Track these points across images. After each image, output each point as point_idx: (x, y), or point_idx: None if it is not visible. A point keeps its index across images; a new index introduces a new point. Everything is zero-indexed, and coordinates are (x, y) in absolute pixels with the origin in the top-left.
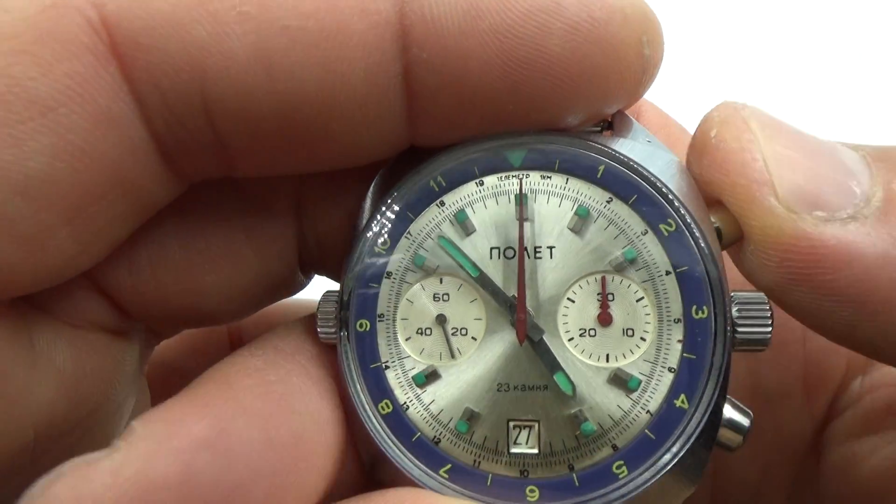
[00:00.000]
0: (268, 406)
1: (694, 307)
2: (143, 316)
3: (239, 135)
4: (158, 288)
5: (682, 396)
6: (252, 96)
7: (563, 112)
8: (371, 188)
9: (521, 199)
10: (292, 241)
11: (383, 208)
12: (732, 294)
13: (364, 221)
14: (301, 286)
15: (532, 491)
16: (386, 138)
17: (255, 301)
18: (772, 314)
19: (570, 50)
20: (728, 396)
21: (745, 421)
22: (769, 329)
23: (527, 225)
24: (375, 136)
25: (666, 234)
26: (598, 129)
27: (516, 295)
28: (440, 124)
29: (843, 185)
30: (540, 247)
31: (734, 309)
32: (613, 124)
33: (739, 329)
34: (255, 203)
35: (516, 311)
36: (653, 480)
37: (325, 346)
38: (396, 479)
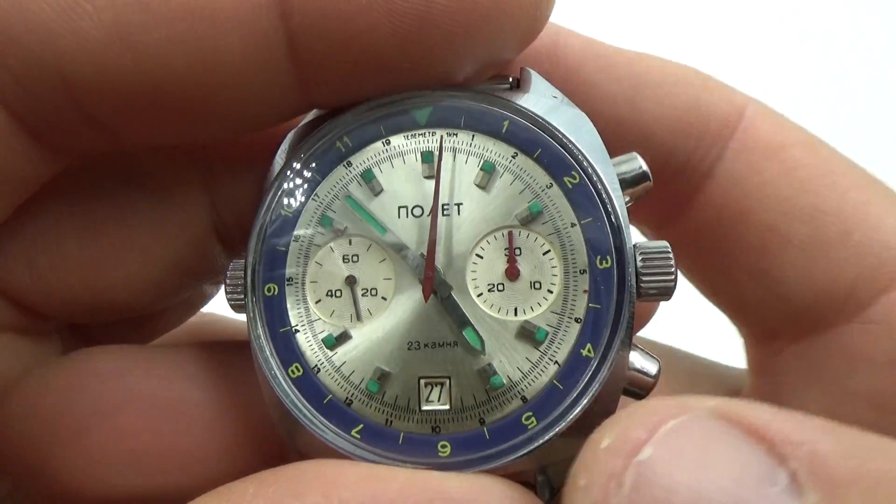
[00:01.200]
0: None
1: (598, 257)
2: (51, 312)
3: (109, 112)
4: (62, 284)
5: (588, 346)
6: (116, 76)
7: (460, 64)
8: (279, 151)
9: (440, 157)
10: (205, 223)
11: (288, 171)
12: (636, 244)
13: (269, 183)
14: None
15: (444, 446)
16: (278, 106)
17: (174, 288)
18: (675, 265)
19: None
20: (635, 344)
21: (652, 367)
22: (672, 279)
23: (433, 183)
24: (266, 105)
25: (570, 186)
26: (507, 86)
27: (424, 253)
28: (336, 89)
29: None
30: (448, 204)
31: (638, 259)
32: (520, 81)
33: (643, 279)
34: (160, 191)
35: (426, 269)
36: (560, 428)
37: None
38: (309, 444)
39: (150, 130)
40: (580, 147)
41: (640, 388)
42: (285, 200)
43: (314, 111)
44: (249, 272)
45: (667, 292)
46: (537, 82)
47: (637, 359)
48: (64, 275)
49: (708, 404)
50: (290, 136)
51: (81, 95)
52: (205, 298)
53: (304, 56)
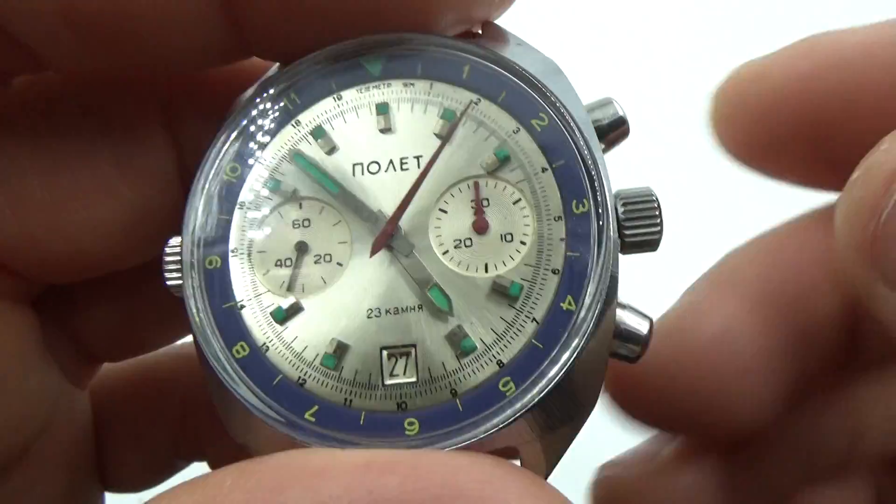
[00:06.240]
0: None
1: (574, 202)
2: (17, 263)
3: (23, 28)
4: (25, 230)
5: (569, 298)
6: None
7: (414, 19)
8: (230, 111)
9: (458, 120)
10: (172, 171)
11: (231, 133)
12: (617, 192)
13: (210, 147)
14: None
15: (411, 424)
16: (206, 45)
17: (143, 241)
18: (660, 212)
19: None
20: (622, 302)
21: (642, 327)
22: (658, 228)
23: (391, 137)
24: (191, 43)
25: (539, 129)
26: (465, 34)
27: (382, 209)
28: (272, 35)
29: None
30: (406, 157)
31: (620, 206)
32: (483, 32)
33: (626, 229)
34: (123, 133)
35: (387, 224)
36: (543, 394)
37: None
38: (257, 433)
39: (72, 55)
40: (548, 87)
41: (629, 351)
42: (228, 165)
43: (273, 69)
44: (188, 246)
45: (652, 244)
46: (503, 32)
47: (625, 316)
48: (26, 219)
49: None
50: (242, 97)
51: None
52: None
53: None
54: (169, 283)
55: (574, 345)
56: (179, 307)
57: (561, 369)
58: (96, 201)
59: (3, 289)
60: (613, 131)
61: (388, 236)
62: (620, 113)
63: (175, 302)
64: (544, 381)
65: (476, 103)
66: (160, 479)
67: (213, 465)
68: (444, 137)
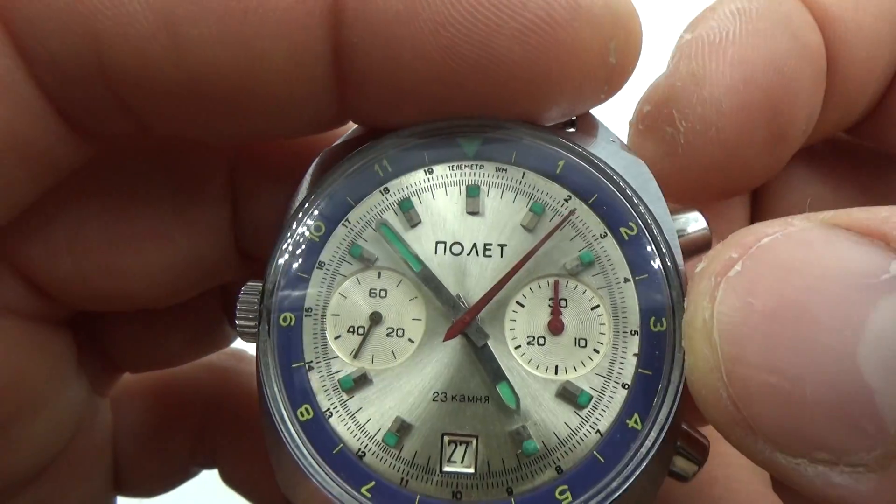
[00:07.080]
0: None
1: (652, 319)
2: (63, 295)
3: (143, 102)
4: (77, 266)
5: (636, 416)
6: (156, 66)
7: (509, 112)
8: (312, 167)
9: (563, 221)
10: (227, 225)
11: (319, 191)
12: None
13: (297, 203)
14: (243, 271)
15: None
16: (315, 116)
17: (188, 285)
18: None
19: (521, 53)
20: (686, 428)
21: (702, 450)
22: None
23: (477, 220)
24: (302, 113)
25: (626, 237)
26: (560, 124)
27: (461, 294)
28: (376, 109)
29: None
30: (490, 244)
31: None
32: (576, 122)
33: None
34: (186, 185)
35: (466, 311)
36: None
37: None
38: (312, 498)
39: (182, 123)
40: (641, 197)
41: (685, 472)
42: (312, 223)
43: (353, 129)
44: (265, 297)
45: None
46: (597, 125)
47: (687, 438)
48: (80, 256)
49: (819, 217)
50: (323, 153)
51: (117, 83)
52: (227, 339)
53: (348, 72)
54: (239, 328)
55: (636, 465)
56: (208, 328)
57: (621, 488)
58: (151, 247)
59: (46, 314)
60: (696, 242)
61: (466, 325)
62: (705, 225)
63: (204, 323)
64: (603, 497)
65: (566, 200)
66: (173, 485)
67: (226, 474)
68: (539, 241)
